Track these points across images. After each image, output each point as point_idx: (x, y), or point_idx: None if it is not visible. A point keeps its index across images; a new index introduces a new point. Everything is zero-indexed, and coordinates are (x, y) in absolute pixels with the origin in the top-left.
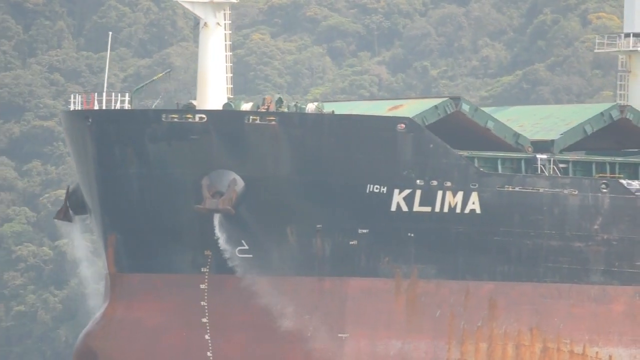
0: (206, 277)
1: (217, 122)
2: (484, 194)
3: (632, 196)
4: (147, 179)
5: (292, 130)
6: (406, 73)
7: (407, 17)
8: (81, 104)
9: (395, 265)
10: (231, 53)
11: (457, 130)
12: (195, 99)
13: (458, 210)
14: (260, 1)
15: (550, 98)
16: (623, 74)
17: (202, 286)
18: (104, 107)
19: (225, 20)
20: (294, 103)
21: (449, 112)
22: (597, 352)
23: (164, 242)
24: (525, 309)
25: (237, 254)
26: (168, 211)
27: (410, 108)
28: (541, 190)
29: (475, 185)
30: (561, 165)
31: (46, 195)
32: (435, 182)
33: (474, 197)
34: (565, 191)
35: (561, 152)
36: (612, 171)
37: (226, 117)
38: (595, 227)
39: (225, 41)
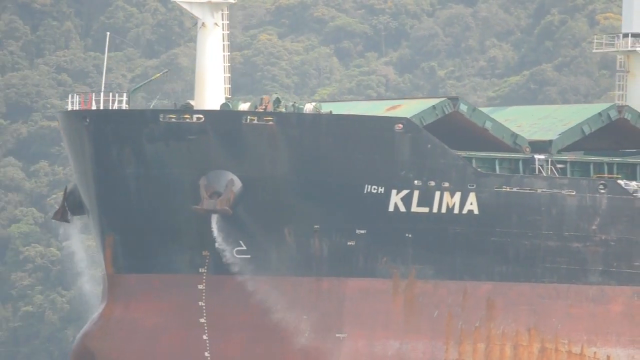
0: (204, 277)
1: (215, 122)
2: (482, 195)
3: (630, 197)
4: (145, 179)
5: (290, 130)
6: (413, 73)
7: (415, 17)
8: (79, 104)
9: (393, 266)
10: (229, 53)
11: (455, 131)
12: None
13: (456, 210)
14: (267, 2)
15: (557, 98)
16: (621, 74)
17: (200, 286)
18: (101, 107)
19: (223, 20)
20: (291, 103)
21: (446, 113)
22: (595, 353)
23: (161, 243)
24: (523, 309)
25: (235, 254)
26: (166, 211)
27: (408, 108)
28: (539, 190)
29: (473, 185)
30: (559, 166)
31: (53, 195)
32: (433, 183)
33: (472, 197)
34: (563, 192)
35: (559, 152)
36: (610, 171)
37: (224, 117)
38: (593, 227)
39: (224, 41)
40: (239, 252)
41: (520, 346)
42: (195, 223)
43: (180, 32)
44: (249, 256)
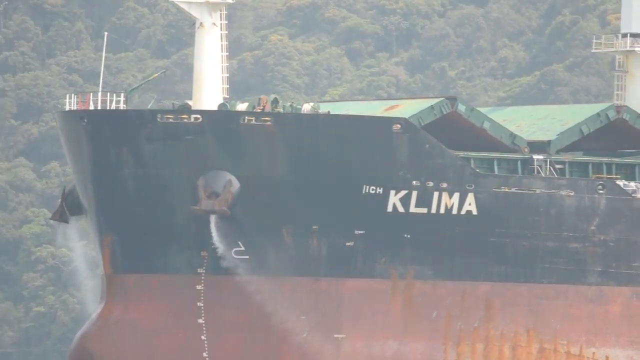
0: (202, 278)
1: (213, 122)
2: (480, 195)
3: (628, 197)
4: (143, 180)
5: (288, 130)
6: (424, 74)
7: (426, 18)
8: (76, 104)
9: (392, 266)
10: (227, 53)
11: (453, 131)
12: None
13: (454, 211)
14: (278, 2)
15: (568, 99)
16: (620, 74)
17: (199, 287)
18: (99, 108)
19: (221, 20)
20: (289, 103)
21: (445, 113)
22: (593, 353)
23: (160, 243)
24: (522, 310)
25: (233, 254)
26: (164, 212)
27: (407, 108)
28: (537, 191)
29: (471, 186)
30: (558, 166)
31: None
32: (431, 183)
33: (470, 198)
34: (562, 192)
35: (558, 152)
36: (609, 172)
37: (221, 117)
38: (592, 228)
39: (222, 41)
40: (238, 253)
41: (519, 347)
42: (193, 223)
43: (191, 33)
44: (247, 256)
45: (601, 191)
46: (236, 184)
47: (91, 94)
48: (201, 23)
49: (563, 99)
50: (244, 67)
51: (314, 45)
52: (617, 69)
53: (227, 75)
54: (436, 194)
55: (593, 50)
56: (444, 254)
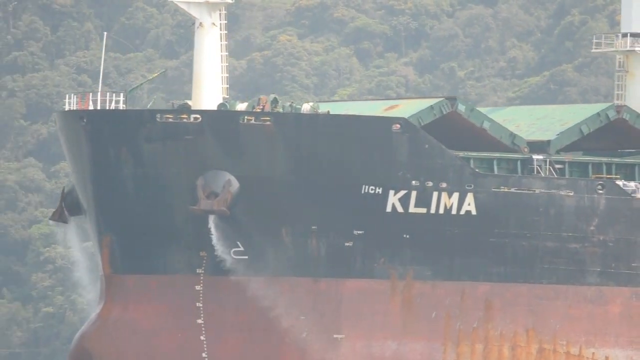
0: (201, 278)
1: (212, 122)
2: (480, 195)
3: (628, 197)
4: (142, 180)
5: (287, 130)
6: (433, 74)
7: (435, 18)
8: (76, 104)
9: (391, 267)
10: (227, 53)
11: (453, 131)
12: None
13: (454, 211)
14: (287, 3)
15: (577, 99)
16: (620, 74)
17: (198, 287)
18: (98, 107)
19: (220, 20)
20: (289, 103)
21: (444, 113)
22: (593, 353)
23: (159, 243)
24: (522, 310)
25: (233, 255)
26: (163, 212)
27: (406, 108)
28: (537, 191)
29: (470, 186)
30: (557, 166)
31: None
32: (430, 183)
33: (470, 198)
34: (562, 192)
35: (557, 152)
36: (609, 172)
37: (221, 117)
38: (592, 228)
39: (221, 41)
40: (237, 253)
41: (518, 347)
42: (192, 223)
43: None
44: (246, 257)
45: (601, 191)
46: (235, 184)
47: (90, 93)
48: (200, 23)
49: (572, 99)
50: (253, 67)
51: (323, 46)
52: (617, 68)
53: (227, 75)
54: (435, 194)
55: (593, 50)
56: (443, 254)
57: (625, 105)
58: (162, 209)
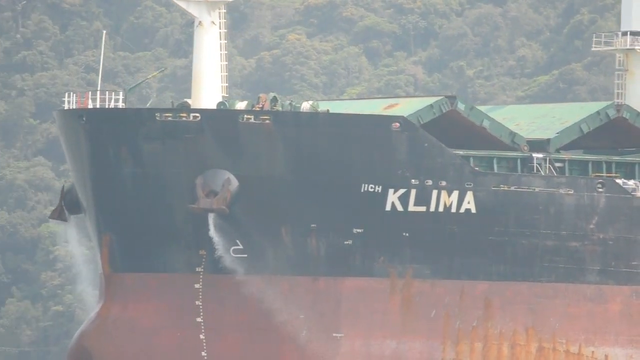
0: (201, 276)
1: (211, 121)
2: (480, 194)
3: (628, 195)
4: (141, 178)
5: (287, 129)
6: (442, 73)
7: (444, 17)
8: (75, 102)
9: (390, 265)
10: (226, 52)
11: (453, 129)
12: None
13: (453, 209)
14: (296, 1)
15: (587, 98)
16: (620, 73)
17: (197, 286)
18: (98, 106)
19: (220, 19)
20: (288, 102)
21: (444, 111)
22: (593, 352)
23: (158, 242)
24: (521, 309)
25: (232, 253)
26: (162, 211)
27: (406, 107)
28: (537, 189)
29: (470, 184)
30: (557, 165)
31: None
32: (430, 182)
33: (469, 196)
34: (561, 190)
35: (557, 151)
36: (609, 170)
37: (220, 116)
38: (591, 226)
39: (221, 40)
40: (236, 252)
41: (517, 345)
42: (192, 222)
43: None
44: (245, 255)
45: (600, 190)
46: (235, 183)
47: (90, 92)
48: (200, 22)
49: (581, 98)
50: (262, 66)
51: (332, 45)
52: (617, 67)
53: (227, 74)
54: (435, 193)
55: (593, 49)
56: (442, 252)
57: (625, 104)
58: (162, 207)
